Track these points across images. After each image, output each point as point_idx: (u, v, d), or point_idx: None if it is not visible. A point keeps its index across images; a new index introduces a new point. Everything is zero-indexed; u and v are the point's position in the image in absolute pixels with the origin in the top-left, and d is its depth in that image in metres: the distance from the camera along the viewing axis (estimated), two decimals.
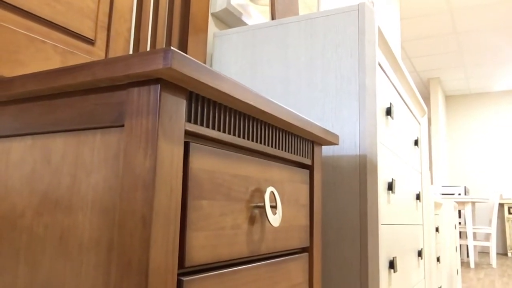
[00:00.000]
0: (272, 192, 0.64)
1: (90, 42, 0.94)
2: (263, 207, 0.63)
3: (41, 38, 0.83)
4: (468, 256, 5.74)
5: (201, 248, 0.52)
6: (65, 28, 0.88)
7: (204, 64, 0.49)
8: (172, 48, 0.45)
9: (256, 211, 0.63)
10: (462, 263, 5.44)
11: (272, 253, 0.68)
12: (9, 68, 0.77)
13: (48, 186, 0.53)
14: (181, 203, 0.50)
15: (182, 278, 0.49)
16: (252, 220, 0.62)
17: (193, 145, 0.52)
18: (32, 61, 0.81)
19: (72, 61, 0.90)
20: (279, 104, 0.65)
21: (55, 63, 0.86)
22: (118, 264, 0.46)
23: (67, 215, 0.51)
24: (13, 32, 0.78)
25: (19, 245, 0.54)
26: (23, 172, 0.56)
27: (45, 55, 0.84)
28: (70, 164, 0.52)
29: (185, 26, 1.25)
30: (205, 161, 0.54)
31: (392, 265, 1.13)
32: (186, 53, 1.24)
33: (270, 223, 0.61)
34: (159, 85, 0.47)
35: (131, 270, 0.45)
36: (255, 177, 0.64)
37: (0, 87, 0.57)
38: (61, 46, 0.87)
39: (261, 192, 0.65)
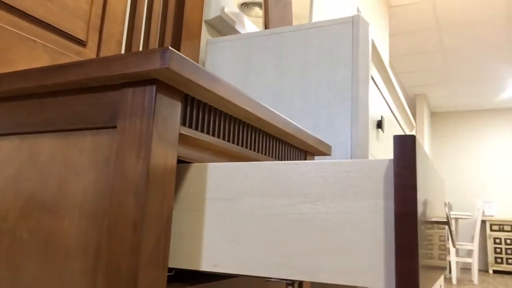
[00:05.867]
0: None
1: (82, 43, 0.92)
2: None
3: (32, 37, 0.81)
4: (450, 272, 5.78)
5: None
6: (57, 28, 0.86)
7: (201, 67, 0.48)
8: (170, 48, 0.44)
9: None
10: (445, 279, 5.46)
11: None
12: None
13: (34, 188, 0.51)
14: None
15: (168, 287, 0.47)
16: None
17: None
18: (21, 60, 0.79)
19: (62, 62, 0.87)
20: (275, 112, 0.64)
21: (44, 63, 0.83)
22: (107, 270, 0.44)
23: (54, 219, 0.49)
24: (3, 29, 0.76)
25: None
26: (8, 173, 0.54)
27: (35, 55, 0.82)
28: (58, 166, 0.50)
29: (178, 31, 1.24)
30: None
31: None
32: None
33: None
34: (154, 86, 0.45)
35: (120, 277, 0.43)
36: None
37: None
38: (52, 46, 0.85)
39: None
